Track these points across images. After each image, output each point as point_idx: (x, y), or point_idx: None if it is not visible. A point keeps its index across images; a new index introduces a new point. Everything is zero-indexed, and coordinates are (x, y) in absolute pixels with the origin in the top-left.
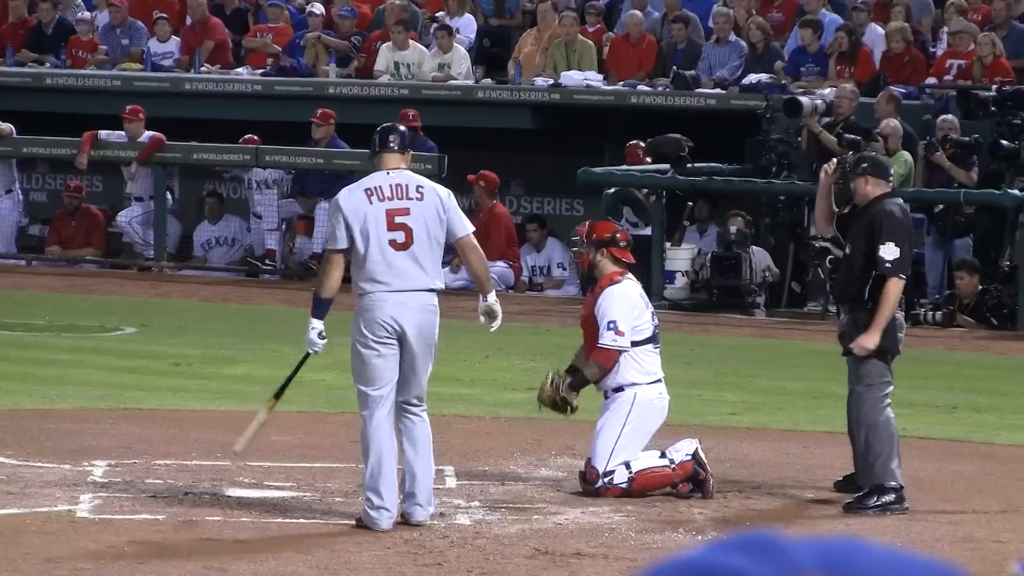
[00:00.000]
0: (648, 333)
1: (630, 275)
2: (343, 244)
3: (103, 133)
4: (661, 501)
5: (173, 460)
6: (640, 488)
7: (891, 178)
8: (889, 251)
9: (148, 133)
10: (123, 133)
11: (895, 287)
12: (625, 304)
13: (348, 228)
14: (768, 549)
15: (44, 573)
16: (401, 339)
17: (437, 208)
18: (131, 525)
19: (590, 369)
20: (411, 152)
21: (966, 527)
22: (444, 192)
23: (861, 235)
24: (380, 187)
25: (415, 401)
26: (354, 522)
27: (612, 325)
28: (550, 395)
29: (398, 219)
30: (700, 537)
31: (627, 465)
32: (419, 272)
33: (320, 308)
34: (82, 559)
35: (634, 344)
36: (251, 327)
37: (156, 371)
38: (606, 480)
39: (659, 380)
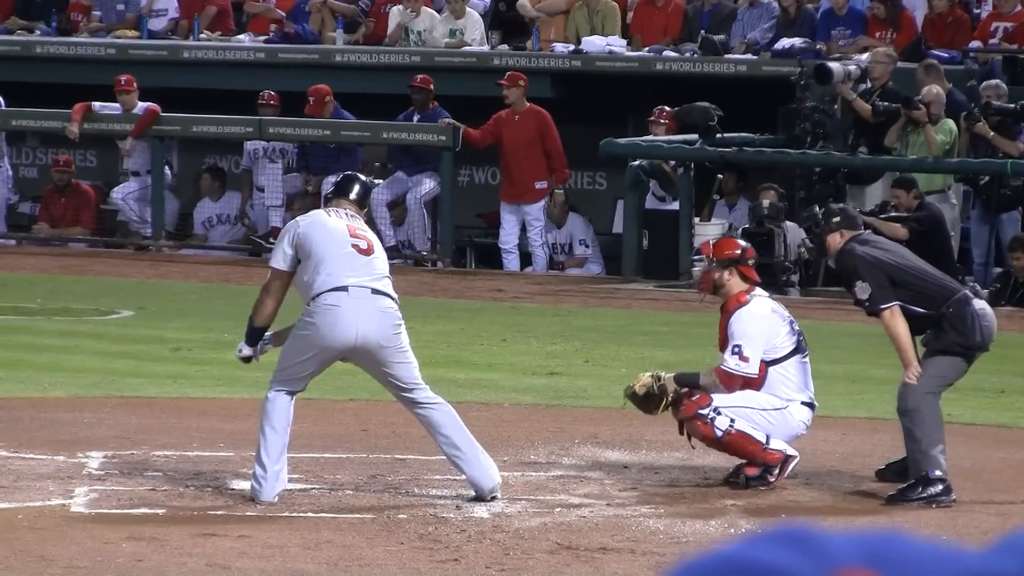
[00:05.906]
0: (790, 346)
1: (758, 290)
2: (286, 265)
3: (97, 105)
4: (691, 492)
5: (173, 451)
6: (729, 446)
7: (860, 223)
8: (860, 290)
9: (143, 104)
10: (117, 105)
11: (888, 320)
12: (758, 325)
13: (305, 242)
14: (805, 543)
15: (37, 572)
16: (356, 352)
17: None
18: (129, 520)
19: (707, 378)
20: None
21: (1016, 518)
22: None
23: (845, 283)
24: (336, 210)
25: (417, 396)
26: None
27: (737, 349)
28: (647, 383)
29: (358, 231)
30: (733, 531)
31: (731, 420)
32: (380, 275)
33: (253, 336)
34: (77, 556)
35: (777, 361)
36: None
37: (154, 356)
38: (706, 413)
39: (811, 404)
